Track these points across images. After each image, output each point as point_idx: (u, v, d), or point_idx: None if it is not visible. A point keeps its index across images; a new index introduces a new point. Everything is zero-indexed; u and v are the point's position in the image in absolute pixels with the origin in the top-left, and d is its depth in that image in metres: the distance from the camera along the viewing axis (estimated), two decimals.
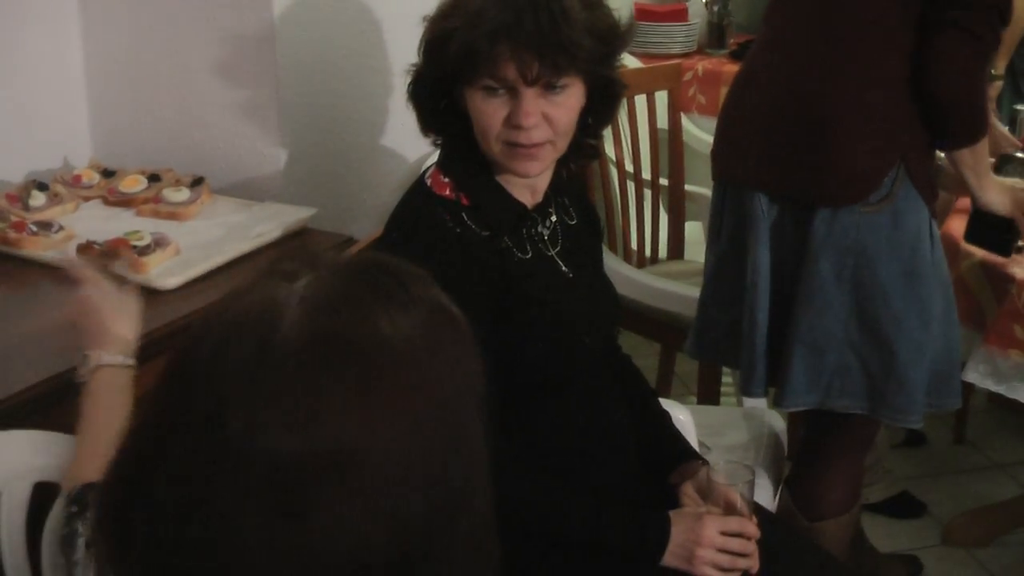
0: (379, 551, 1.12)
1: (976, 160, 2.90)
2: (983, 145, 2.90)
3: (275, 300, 1.16)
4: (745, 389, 2.96)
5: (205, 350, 1.15)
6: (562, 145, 2.25)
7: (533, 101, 2.18)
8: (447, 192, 2.28)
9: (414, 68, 2.30)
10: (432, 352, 1.18)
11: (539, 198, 2.34)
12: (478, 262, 2.23)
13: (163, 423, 1.17)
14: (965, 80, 2.78)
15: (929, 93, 2.77)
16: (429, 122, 2.33)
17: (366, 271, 1.21)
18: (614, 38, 2.28)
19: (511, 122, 2.19)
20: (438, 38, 2.21)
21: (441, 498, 1.16)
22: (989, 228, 3.07)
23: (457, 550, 1.18)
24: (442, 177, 2.30)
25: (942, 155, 3.07)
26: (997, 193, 2.99)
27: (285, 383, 1.11)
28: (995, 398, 4.04)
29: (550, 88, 2.18)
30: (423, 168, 2.41)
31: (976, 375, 3.16)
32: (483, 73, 2.17)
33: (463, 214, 2.26)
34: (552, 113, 2.20)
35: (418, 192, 2.33)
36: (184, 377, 1.17)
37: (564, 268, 2.37)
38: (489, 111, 2.19)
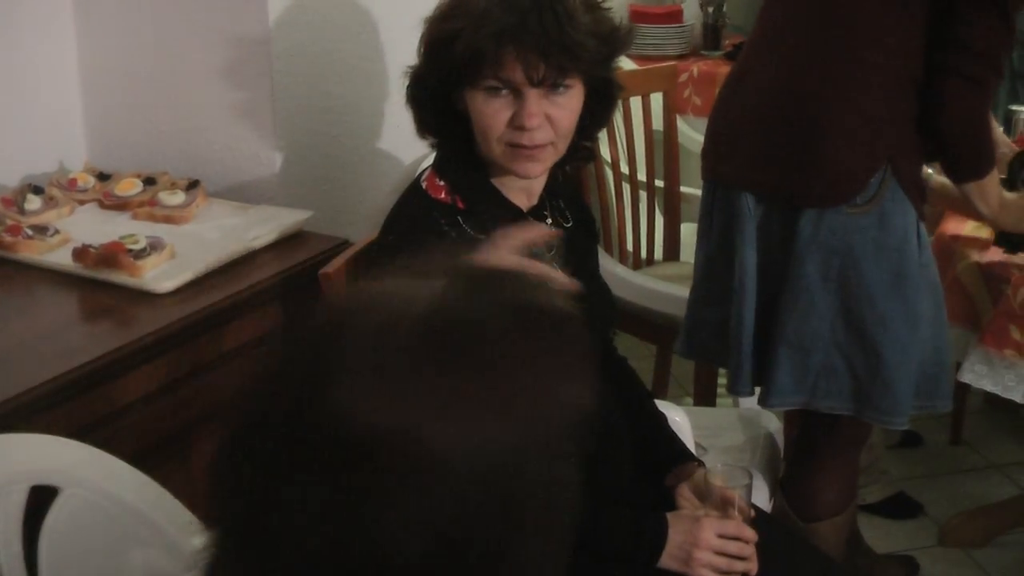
0: (424, 557, 1.13)
1: (984, 191, 2.93)
2: (991, 176, 2.92)
3: (408, 293, 1.19)
4: (732, 388, 2.97)
5: (329, 321, 1.20)
6: (562, 147, 2.26)
7: (537, 102, 2.19)
8: (442, 195, 2.28)
9: (413, 70, 2.30)
10: (537, 369, 1.20)
11: (534, 201, 2.35)
12: None
13: (269, 388, 1.20)
14: (969, 124, 2.80)
15: (935, 133, 2.79)
16: (427, 124, 2.33)
17: (494, 282, 1.25)
18: (615, 40, 2.29)
19: (515, 123, 2.20)
20: (440, 39, 2.21)
21: (507, 514, 1.16)
22: (1014, 237, 3.11)
23: (520, 567, 1.18)
24: (438, 180, 2.30)
25: (930, 171, 3.10)
26: (1009, 215, 3.02)
27: (392, 366, 1.14)
28: (991, 399, 4.05)
29: (553, 89, 2.20)
30: (419, 171, 2.41)
31: (972, 375, 3.16)
32: (488, 74, 2.18)
33: (458, 218, 2.26)
34: (554, 114, 2.21)
35: (413, 195, 2.33)
36: (303, 343, 1.21)
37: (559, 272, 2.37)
38: (491, 112, 2.20)
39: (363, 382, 1.13)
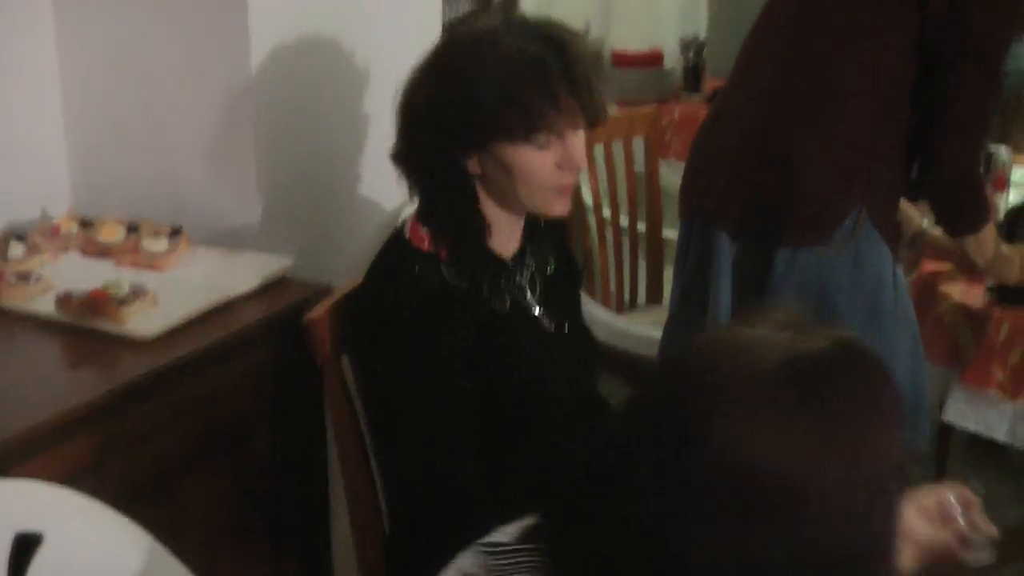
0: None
1: (980, 244, 2.96)
2: (988, 228, 2.94)
3: (766, 339, 1.40)
4: None
5: (698, 372, 1.41)
6: None
7: (578, 142, 2.24)
8: (425, 245, 2.28)
9: (417, 132, 2.27)
10: (876, 414, 1.40)
11: (517, 245, 2.36)
12: (456, 316, 2.24)
13: (640, 434, 1.41)
14: (963, 179, 2.84)
15: (929, 188, 2.83)
16: (426, 183, 2.32)
17: (837, 336, 1.44)
18: (603, 65, 2.35)
19: (565, 166, 2.23)
20: (477, 103, 2.19)
21: (861, 549, 1.36)
22: (1014, 291, 3.13)
23: None
24: (420, 229, 2.30)
25: (925, 222, 3.13)
26: (1005, 267, 3.04)
27: (766, 407, 1.34)
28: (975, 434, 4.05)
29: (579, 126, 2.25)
30: (401, 218, 2.42)
31: (955, 414, 3.18)
32: (548, 128, 2.20)
33: (441, 268, 2.27)
34: (582, 148, 2.27)
35: (396, 245, 2.34)
36: (670, 396, 1.42)
37: (543, 321, 2.38)
38: (545, 164, 2.22)
39: (740, 419, 1.33)
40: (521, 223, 2.37)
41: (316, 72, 2.98)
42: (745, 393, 1.35)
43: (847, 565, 1.35)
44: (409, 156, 2.31)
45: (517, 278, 2.36)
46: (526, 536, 1.56)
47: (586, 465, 1.49)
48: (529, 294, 2.38)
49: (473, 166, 2.26)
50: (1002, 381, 3.09)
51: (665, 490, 1.35)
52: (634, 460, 1.39)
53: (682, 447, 1.34)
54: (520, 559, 1.54)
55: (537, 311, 2.38)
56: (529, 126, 2.18)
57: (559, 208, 2.30)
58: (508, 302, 2.32)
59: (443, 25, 3.41)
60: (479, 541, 1.62)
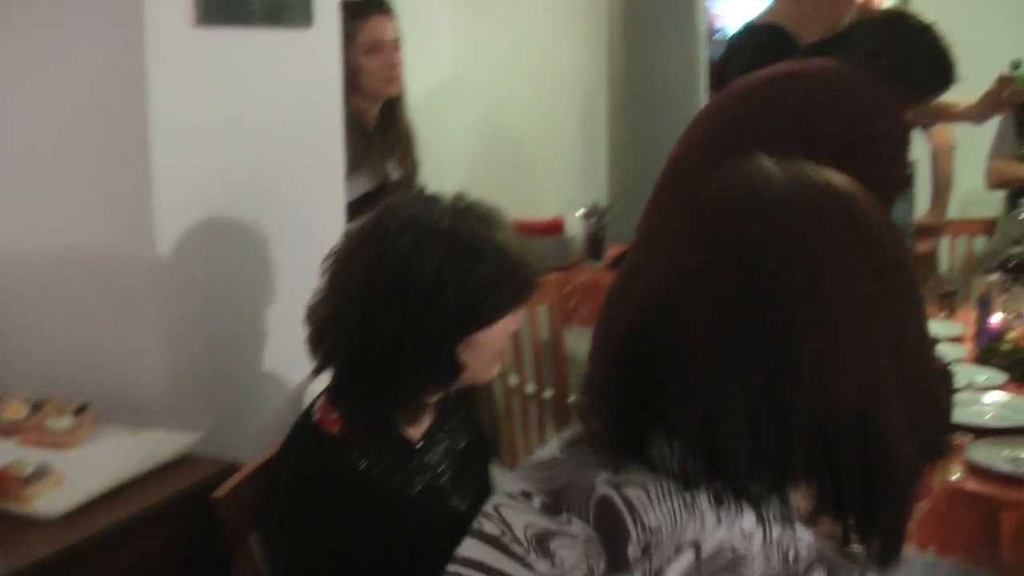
0: (844, 411, 1.36)
1: None
2: None
3: (762, 169, 1.48)
4: None
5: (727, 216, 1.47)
6: None
7: None
8: (335, 430, 2.27)
9: (404, 328, 2.21)
10: (908, 264, 1.47)
11: (428, 424, 2.36)
12: (365, 505, 2.23)
13: (696, 298, 1.44)
14: None
15: None
16: (373, 371, 2.27)
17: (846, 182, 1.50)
18: None
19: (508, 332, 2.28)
20: (470, 294, 2.20)
21: (894, 361, 1.39)
22: None
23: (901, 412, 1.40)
24: (331, 413, 2.29)
25: None
26: None
27: (817, 237, 1.40)
28: None
29: None
30: (305, 395, 2.41)
31: None
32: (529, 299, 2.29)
33: (351, 454, 2.25)
34: None
35: (305, 430, 2.33)
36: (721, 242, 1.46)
37: (454, 500, 2.37)
38: (502, 333, 2.27)
39: (798, 262, 1.39)
40: (434, 402, 2.38)
41: (221, 249, 2.99)
42: (794, 225, 1.40)
43: (926, 439, 1.42)
44: (381, 347, 2.23)
45: (427, 458, 2.36)
46: (569, 445, 1.57)
47: (636, 337, 1.56)
48: (440, 474, 2.37)
49: (463, 350, 2.26)
50: (911, 534, 3.12)
51: (731, 352, 1.37)
52: (691, 327, 1.42)
53: (749, 310, 1.38)
54: (567, 464, 1.54)
55: (448, 491, 2.38)
56: (514, 305, 2.24)
57: (493, 371, 2.33)
58: (419, 485, 2.32)
59: (348, 204, 3.44)
60: (521, 464, 1.62)
